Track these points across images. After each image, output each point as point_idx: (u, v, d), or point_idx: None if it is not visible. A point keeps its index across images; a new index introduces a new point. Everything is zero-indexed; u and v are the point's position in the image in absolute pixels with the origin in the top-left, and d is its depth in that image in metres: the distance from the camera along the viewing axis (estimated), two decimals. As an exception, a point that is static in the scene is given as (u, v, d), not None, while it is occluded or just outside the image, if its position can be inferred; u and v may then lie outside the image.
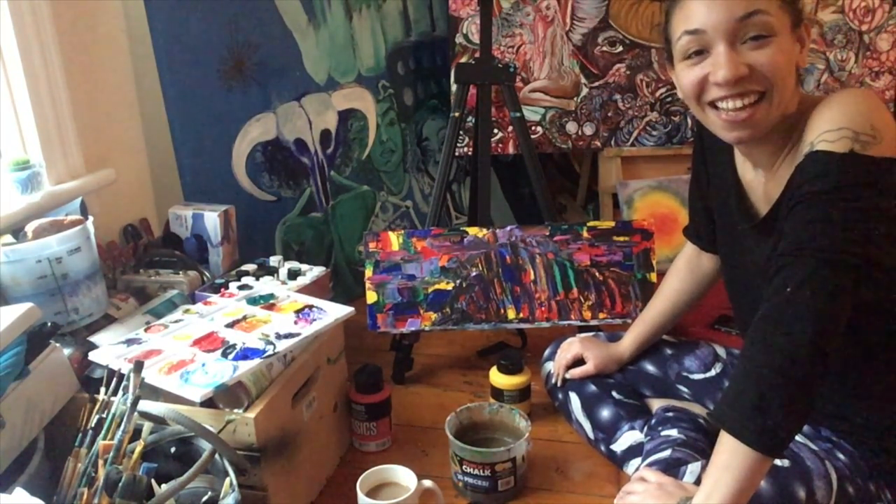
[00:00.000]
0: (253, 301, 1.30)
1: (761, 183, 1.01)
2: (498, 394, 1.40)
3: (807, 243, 0.84)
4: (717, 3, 0.88)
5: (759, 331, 0.85)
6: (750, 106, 0.90)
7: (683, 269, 1.32)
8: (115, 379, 1.00)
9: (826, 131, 0.86)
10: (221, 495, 0.91)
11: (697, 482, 0.99)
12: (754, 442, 0.81)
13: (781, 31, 0.89)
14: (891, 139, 0.85)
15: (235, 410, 1.04)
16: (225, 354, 1.10)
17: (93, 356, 1.12)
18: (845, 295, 0.82)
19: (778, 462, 0.98)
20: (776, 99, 0.90)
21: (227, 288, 1.38)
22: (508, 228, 1.53)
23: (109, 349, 1.13)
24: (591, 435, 1.29)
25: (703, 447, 1.07)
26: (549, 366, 1.41)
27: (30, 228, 1.19)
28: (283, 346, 1.12)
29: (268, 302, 1.29)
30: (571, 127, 2.06)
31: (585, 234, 1.52)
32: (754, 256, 1.04)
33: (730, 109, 0.91)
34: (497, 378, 1.40)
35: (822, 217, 0.84)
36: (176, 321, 1.23)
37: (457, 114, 1.62)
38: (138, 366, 0.97)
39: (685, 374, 1.30)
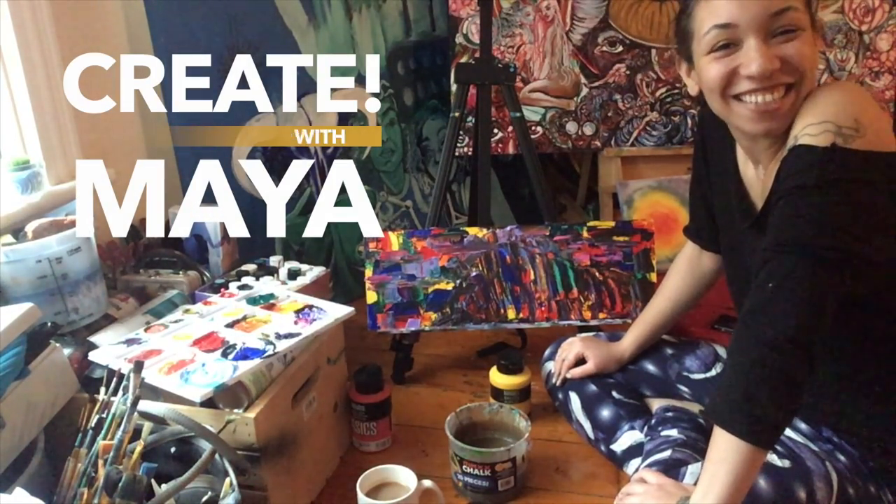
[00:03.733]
0: (253, 301, 1.30)
1: (760, 179, 1.01)
2: (498, 394, 1.40)
3: (789, 238, 0.84)
4: None
5: (744, 325, 0.86)
6: (780, 98, 0.90)
7: (684, 268, 1.32)
8: (115, 379, 1.00)
9: (809, 125, 0.87)
10: (221, 495, 0.91)
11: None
12: (745, 433, 0.81)
13: (807, 27, 0.90)
14: (875, 133, 0.84)
15: (235, 410, 1.04)
16: (225, 354, 1.09)
17: (93, 356, 1.12)
18: (829, 289, 0.83)
19: (778, 462, 0.98)
20: (803, 90, 0.91)
21: (227, 288, 1.38)
22: (508, 228, 1.52)
23: (109, 349, 1.13)
24: (591, 435, 1.29)
25: (703, 447, 1.06)
26: (550, 366, 1.41)
27: (30, 228, 1.19)
28: (283, 346, 1.12)
29: (268, 302, 1.29)
30: (571, 127, 2.06)
31: (585, 234, 1.52)
32: (754, 254, 1.03)
33: (759, 102, 0.91)
34: (497, 378, 1.40)
35: (804, 212, 0.84)
36: (176, 321, 1.23)
37: (457, 114, 1.62)
38: (138, 366, 0.97)
39: (686, 373, 1.30)
